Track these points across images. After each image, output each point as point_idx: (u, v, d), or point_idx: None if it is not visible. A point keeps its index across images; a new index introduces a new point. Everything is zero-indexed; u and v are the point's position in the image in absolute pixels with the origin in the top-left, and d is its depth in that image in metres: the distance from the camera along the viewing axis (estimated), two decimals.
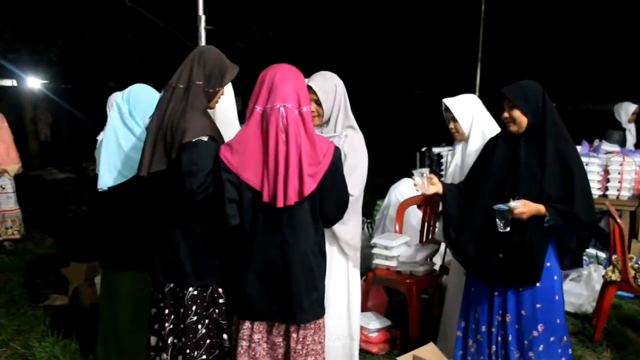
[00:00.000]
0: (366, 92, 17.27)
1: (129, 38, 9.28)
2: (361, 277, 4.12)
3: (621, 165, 4.88)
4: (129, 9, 8.15)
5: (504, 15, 11.42)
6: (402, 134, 15.34)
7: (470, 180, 2.87)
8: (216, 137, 2.35)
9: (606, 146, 5.33)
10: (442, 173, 5.49)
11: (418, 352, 3.08)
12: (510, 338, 2.71)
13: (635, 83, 12.24)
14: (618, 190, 4.89)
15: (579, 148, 5.20)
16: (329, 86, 2.72)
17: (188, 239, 2.38)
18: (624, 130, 6.74)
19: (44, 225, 6.90)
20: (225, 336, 2.45)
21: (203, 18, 4.52)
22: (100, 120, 3.66)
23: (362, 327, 3.57)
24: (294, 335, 2.30)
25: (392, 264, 3.79)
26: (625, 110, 6.77)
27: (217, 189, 2.26)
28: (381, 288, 4.06)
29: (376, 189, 8.16)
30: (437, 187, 2.83)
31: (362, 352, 3.55)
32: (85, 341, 3.67)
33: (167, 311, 2.47)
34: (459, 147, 3.25)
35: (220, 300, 2.44)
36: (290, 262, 2.23)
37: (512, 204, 2.52)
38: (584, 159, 4.87)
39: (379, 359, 3.52)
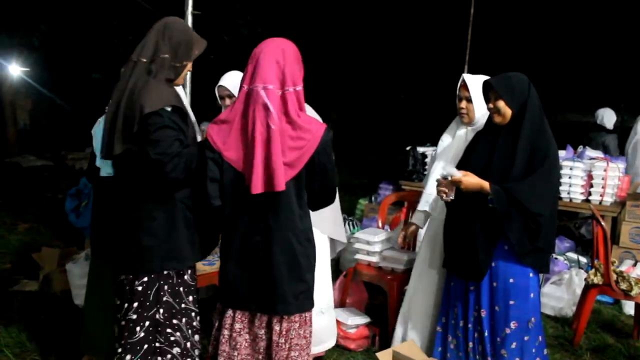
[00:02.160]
0: (353, 95, 17.28)
1: (114, 26, 9.11)
2: (341, 272, 4.10)
3: (605, 170, 4.88)
4: None
5: (491, 22, 11.47)
6: (387, 137, 15.39)
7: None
8: (181, 107, 2.21)
9: (590, 152, 5.33)
10: (426, 173, 5.44)
11: (398, 348, 3.01)
12: (486, 334, 2.66)
13: (618, 94, 12.39)
14: (601, 195, 4.88)
15: (562, 153, 5.19)
16: None
17: (143, 219, 2.24)
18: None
19: (18, 212, 6.72)
20: (166, 338, 2.27)
21: (190, 3, 4.43)
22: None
23: (340, 323, 3.52)
24: (277, 327, 2.18)
25: (374, 259, 3.73)
26: (608, 119, 6.75)
27: (200, 168, 2.16)
28: (361, 284, 4.00)
29: (359, 189, 8.16)
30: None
31: (340, 348, 3.49)
32: (53, 328, 3.55)
33: (121, 304, 2.33)
34: (461, 132, 3.08)
35: (165, 298, 2.27)
36: (273, 249, 2.12)
37: (451, 170, 2.50)
38: (567, 164, 4.88)
39: (357, 355, 3.45)
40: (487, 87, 2.64)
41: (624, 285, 3.60)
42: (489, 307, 2.66)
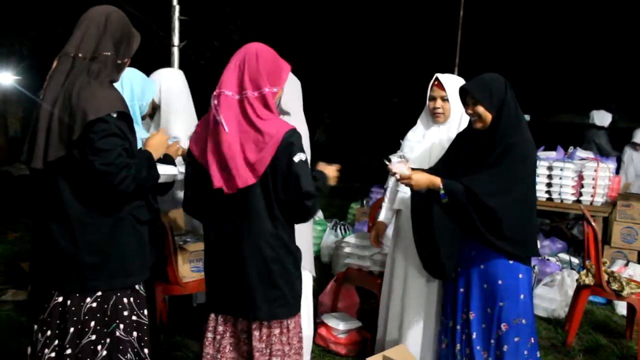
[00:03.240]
0: (346, 99, 17.30)
1: None
2: (330, 278, 4.07)
3: (595, 171, 4.87)
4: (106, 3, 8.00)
5: (482, 25, 11.50)
6: (379, 140, 15.41)
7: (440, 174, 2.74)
8: (127, 113, 2.03)
9: (580, 152, 5.33)
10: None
11: (388, 353, 2.99)
12: (474, 336, 2.63)
13: (609, 94, 12.43)
14: (592, 196, 4.87)
15: (553, 154, 5.19)
16: None
17: (86, 234, 2.01)
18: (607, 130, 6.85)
19: (8, 221, 6.67)
20: (128, 356, 2.08)
21: (177, 8, 4.43)
22: None
23: (331, 328, 3.50)
24: (256, 333, 2.16)
25: (365, 263, 3.70)
26: (599, 118, 6.80)
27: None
28: (352, 289, 3.97)
29: (351, 193, 8.14)
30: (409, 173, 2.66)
31: (331, 353, 3.47)
32: None
33: (49, 333, 2.03)
34: (433, 130, 3.02)
35: (125, 313, 2.08)
36: (242, 254, 2.10)
37: (400, 169, 2.48)
38: (558, 165, 4.87)
39: None
40: (463, 93, 2.61)
41: (615, 286, 3.59)
42: (479, 310, 2.64)
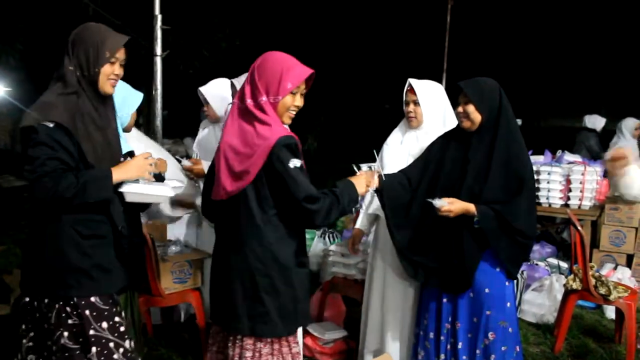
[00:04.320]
0: (338, 107, 17.31)
1: None
2: (318, 286, 4.03)
3: (583, 174, 4.86)
4: (92, 14, 7.98)
5: (472, 30, 11.54)
6: (372, 147, 15.41)
7: (418, 175, 2.73)
8: (69, 126, 2.00)
9: (568, 156, 5.32)
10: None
11: None
12: (460, 346, 2.59)
13: (600, 98, 12.48)
14: (580, 199, 4.86)
15: (541, 158, 5.18)
16: None
17: (34, 243, 2.12)
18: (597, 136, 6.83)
19: None
20: None
21: (159, 17, 4.41)
22: None
23: (316, 338, 3.46)
24: (230, 351, 2.13)
25: (350, 272, 3.67)
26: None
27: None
28: (338, 297, 3.94)
29: None
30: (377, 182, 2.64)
31: None
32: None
33: (30, 344, 2.16)
34: (411, 134, 3.00)
35: (70, 321, 2.07)
36: (230, 262, 2.10)
37: (438, 203, 2.44)
38: (545, 169, 4.87)
39: None
40: (456, 91, 2.60)
41: (602, 290, 3.56)
42: (466, 319, 2.60)
